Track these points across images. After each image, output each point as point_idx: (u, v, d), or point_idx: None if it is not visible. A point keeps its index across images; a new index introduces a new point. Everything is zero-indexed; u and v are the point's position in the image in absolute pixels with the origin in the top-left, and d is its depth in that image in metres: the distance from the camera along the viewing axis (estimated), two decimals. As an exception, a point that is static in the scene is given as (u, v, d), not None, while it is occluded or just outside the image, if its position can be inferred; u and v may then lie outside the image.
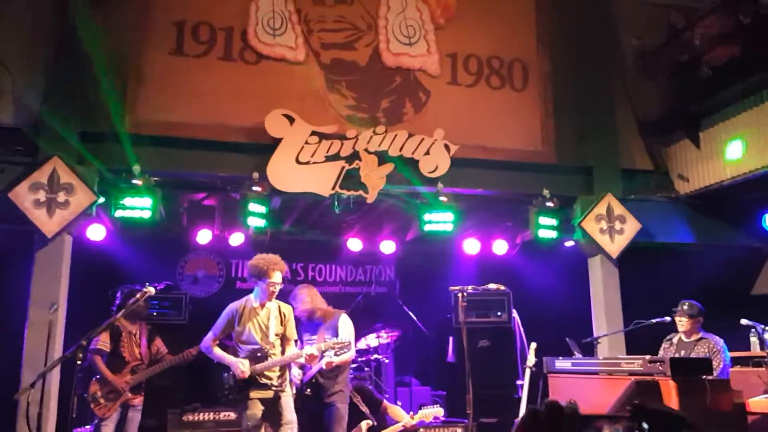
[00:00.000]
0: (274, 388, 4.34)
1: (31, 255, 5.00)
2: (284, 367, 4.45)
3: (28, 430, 4.54)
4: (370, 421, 5.05)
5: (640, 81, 6.50)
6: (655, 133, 6.43)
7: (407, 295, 7.57)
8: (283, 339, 4.47)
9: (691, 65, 6.05)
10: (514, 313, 6.53)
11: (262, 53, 5.63)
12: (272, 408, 4.32)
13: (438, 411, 5.24)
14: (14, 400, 4.62)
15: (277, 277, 4.42)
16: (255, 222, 5.41)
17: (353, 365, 5.94)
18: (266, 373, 4.33)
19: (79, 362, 3.64)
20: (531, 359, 5.09)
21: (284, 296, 4.72)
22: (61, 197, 4.92)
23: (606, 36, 6.47)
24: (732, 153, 5.77)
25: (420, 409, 5.41)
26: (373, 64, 5.87)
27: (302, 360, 4.45)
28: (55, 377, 4.82)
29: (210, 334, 4.50)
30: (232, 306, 4.52)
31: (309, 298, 4.86)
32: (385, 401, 5.50)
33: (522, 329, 6.29)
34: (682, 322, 4.85)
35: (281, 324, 4.47)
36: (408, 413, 5.41)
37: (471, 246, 7.19)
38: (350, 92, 5.77)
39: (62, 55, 5.16)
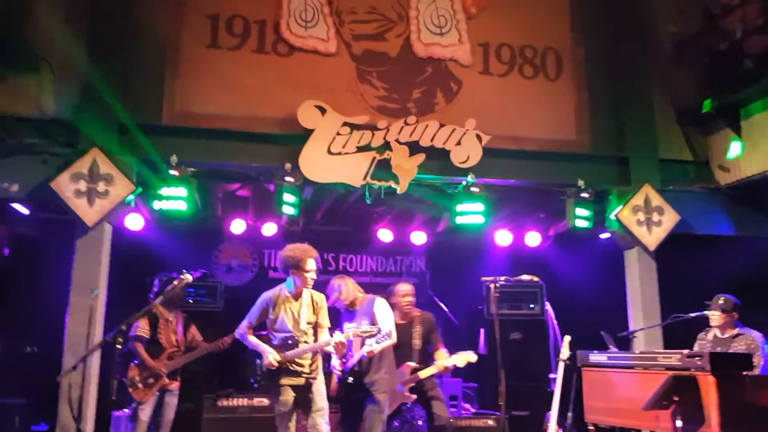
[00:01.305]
0: (305, 375, 4.38)
1: (71, 243, 5.15)
2: (317, 355, 4.48)
3: (69, 411, 4.71)
4: (413, 363, 5.01)
5: (678, 69, 6.33)
6: (694, 122, 6.26)
7: (438, 287, 7.55)
8: (316, 327, 4.50)
9: (730, 53, 5.87)
10: (547, 306, 6.45)
11: (295, 45, 5.68)
12: (303, 394, 4.37)
13: (471, 357, 5.11)
14: (56, 383, 4.80)
15: (311, 265, 4.48)
16: (288, 211, 5.45)
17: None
18: (298, 360, 4.37)
19: (119, 346, 3.75)
20: (565, 352, 5.03)
21: (320, 287, 4.74)
22: (101, 187, 5.05)
23: (641, 23, 6.32)
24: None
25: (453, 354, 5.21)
26: (404, 55, 5.86)
27: (331, 348, 4.46)
28: (95, 361, 4.97)
29: (245, 322, 4.58)
30: (266, 294, 4.58)
31: (345, 287, 4.88)
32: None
33: (555, 322, 6.22)
34: (715, 317, 4.73)
35: (313, 312, 4.50)
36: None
37: (503, 237, 7.12)
38: (381, 83, 5.78)
39: (102, 48, 5.29)
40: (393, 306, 5.01)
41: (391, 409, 4.82)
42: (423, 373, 4.95)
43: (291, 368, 4.36)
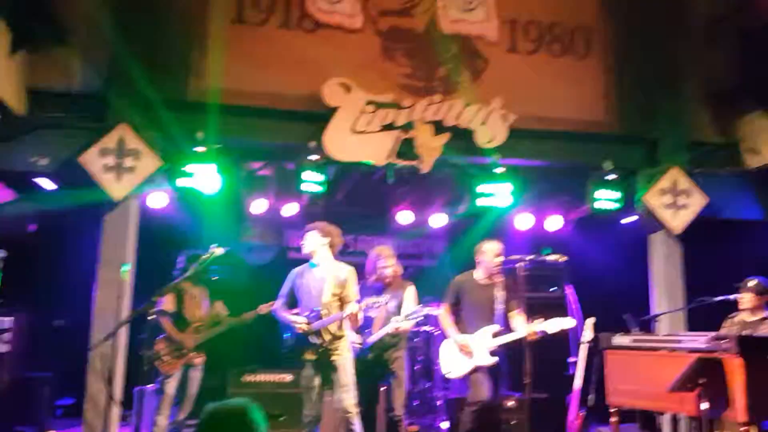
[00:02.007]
0: (328, 351, 4.39)
1: (97, 219, 5.20)
2: (341, 330, 4.46)
3: (98, 384, 4.80)
4: (497, 326, 4.71)
5: (709, 49, 6.18)
6: (725, 103, 6.13)
7: (457, 270, 7.53)
8: (342, 300, 4.48)
9: (763, 33, 5.73)
10: (568, 289, 6.41)
11: (320, 21, 5.62)
12: (327, 370, 4.40)
13: (568, 323, 4.65)
14: (82, 357, 4.88)
15: (338, 241, 4.58)
16: (310, 188, 5.44)
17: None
18: (322, 335, 4.39)
19: (150, 317, 3.80)
20: (587, 335, 5.00)
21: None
22: (129, 162, 5.09)
23: (672, 2, 6.17)
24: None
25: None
26: (430, 32, 5.78)
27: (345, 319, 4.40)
28: (123, 335, 5.04)
29: (279, 299, 4.65)
30: (294, 270, 4.63)
31: (394, 260, 4.89)
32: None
33: (577, 305, 6.18)
34: (745, 299, 4.67)
35: (338, 285, 4.49)
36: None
37: (523, 221, 7.07)
38: (406, 60, 5.72)
39: (129, 23, 5.28)
40: (478, 264, 4.84)
41: (461, 376, 4.72)
42: (506, 338, 4.65)
43: (314, 343, 4.39)
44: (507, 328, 4.68)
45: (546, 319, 4.67)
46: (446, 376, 4.95)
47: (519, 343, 4.65)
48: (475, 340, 4.68)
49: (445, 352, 4.91)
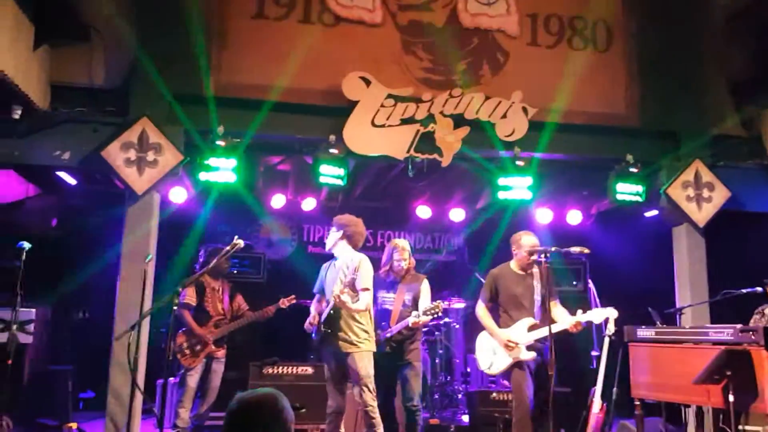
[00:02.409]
0: (341, 342, 4.33)
1: (118, 213, 5.24)
2: (350, 323, 4.35)
3: (121, 376, 4.82)
4: (533, 320, 4.62)
5: (731, 42, 6.11)
6: (747, 96, 6.06)
7: (476, 264, 7.52)
8: (352, 288, 4.37)
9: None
10: (590, 283, 6.39)
11: (340, 15, 5.62)
12: (344, 363, 4.36)
13: (612, 313, 4.47)
14: (104, 350, 4.91)
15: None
16: (329, 182, 5.44)
17: (424, 329, 5.99)
18: (333, 328, 4.33)
19: (175, 307, 3.82)
20: (611, 328, 4.96)
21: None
22: (150, 156, 5.12)
23: (694, -5, 6.13)
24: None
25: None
26: (451, 26, 5.77)
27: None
28: (145, 328, 5.06)
29: (315, 295, 4.69)
30: (323, 265, 4.67)
31: (409, 255, 4.89)
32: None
33: (598, 300, 6.15)
34: None
35: (348, 273, 4.41)
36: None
37: (543, 215, 7.04)
38: (426, 54, 5.71)
39: (150, 18, 5.32)
40: (515, 255, 4.75)
41: (501, 371, 4.63)
42: (545, 331, 4.39)
43: (330, 335, 4.36)
44: (543, 321, 4.55)
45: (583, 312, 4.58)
46: (486, 371, 4.86)
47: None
48: (513, 335, 4.60)
49: (482, 347, 4.82)
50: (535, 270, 4.70)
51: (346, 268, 4.41)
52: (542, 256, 4.41)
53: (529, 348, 4.56)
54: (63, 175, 5.97)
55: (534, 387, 4.50)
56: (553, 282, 4.74)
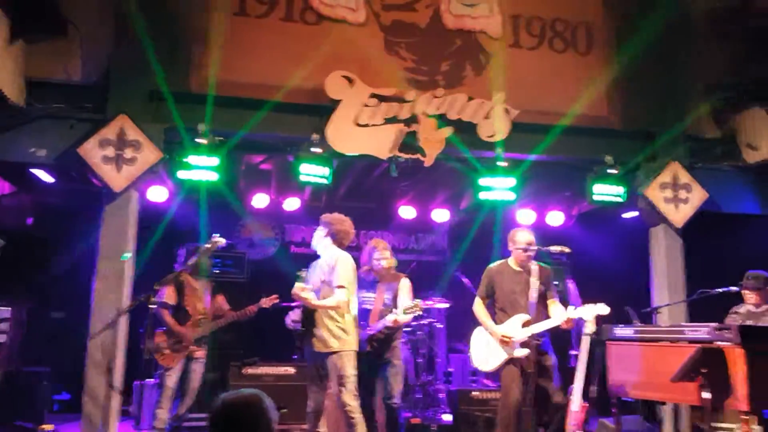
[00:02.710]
0: (316, 342, 4.31)
1: (95, 212, 5.15)
2: (326, 322, 4.30)
3: (97, 377, 4.74)
4: (526, 317, 4.55)
5: (710, 45, 6.24)
6: (724, 99, 6.18)
7: (459, 264, 7.55)
8: (329, 285, 4.35)
9: (763, 30, 5.77)
10: (570, 283, 6.43)
11: (323, 14, 5.61)
12: (322, 362, 4.33)
13: (602, 309, 4.47)
14: (80, 352, 4.83)
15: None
16: (310, 180, 5.41)
17: (407, 329, 6.00)
18: (313, 328, 4.31)
19: (151, 306, 3.76)
20: (590, 327, 5.00)
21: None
22: (129, 153, 5.05)
23: (674, -1, 6.24)
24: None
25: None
26: (434, 26, 5.79)
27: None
28: (122, 328, 4.99)
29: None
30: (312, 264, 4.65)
31: (390, 254, 4.88)
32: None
33: (579, 300, 6.21)
34: (751, 296, 4.72)
35: (326, 273, 4.39)
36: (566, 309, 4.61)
37: (525, 216, 7.09)
38: (410, 54, 5.72)
39: (130, 14, 5.24)
40: (511, 252, 4.73)
41: (495, 368, 4.58)
42: (537, 327, 4.48)
43: (305, 334, 4.34)
44: (537, 318, 4.50)
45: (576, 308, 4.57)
46: (479, 368, 4.80)
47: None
48: (508, 330, 4.57)
49: (475, 344, 4.77)
50: (534, 267, 4.65)
51: (326, 267, 4.39)
52: (532, 254, 4.44)
53: (523, 345, 4.53)
54: (39, 172, 5.86)
55: (520, 390, 4.47)
56: (552, 280, 4.70)
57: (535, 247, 4.51)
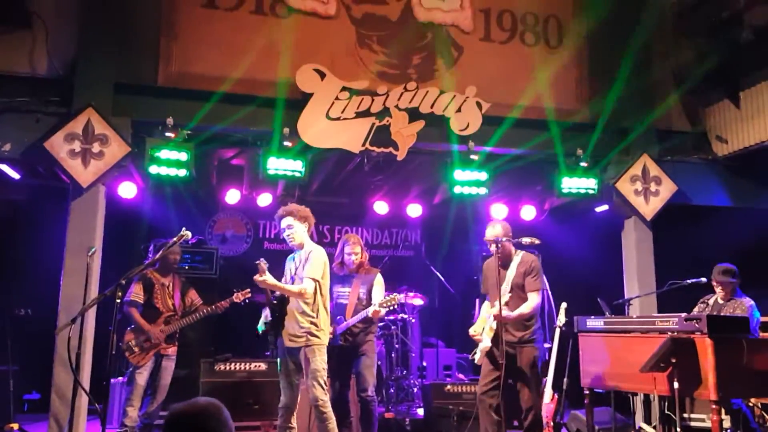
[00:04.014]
0: (286, 335, 4.25)
1: (61, 207, 5.06)
2: (297, 316, 4.22)
3: (64, 374, 4.65)
4: (496, 308, 4.38)
5: (678, 39, 6.31)
6: (693, 92, 6.26)
7: (432, 259, 7.56)
8: (300, 280, 4.27)
9: (732, 23, 5.85)
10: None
11: (293, 7, 5.56)
12: (293, 357, 4.28)
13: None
14: (49, 350, 4.74)
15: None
16: (280, 173, 5.36)
17: (380, 323, 5.98)
18: (287, 322, 4.25)
19: (118, 300, 3.70)
20: (561, 319, 5.04)
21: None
22: (96, 148, 4.96)
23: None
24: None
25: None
26: (405, 20, 5.78)
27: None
28: (90, 324, 4.91)
29: None
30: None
31: (361, 249, 4.86)
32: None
33: (550, 293, 6.24)
34: (719, 288, 4.78)
35: (298, 267, 4.32)
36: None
37: (498, 211, 7.10)
38: (381, 48, 5.71)
39: (96, 5, 5.16)
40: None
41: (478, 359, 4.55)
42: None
43: (276, 328, 4.27)
44: (513, 309, 4.45)
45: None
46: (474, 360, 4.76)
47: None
48: (485, 324, 4.53)
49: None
50: (516, 257, 4.60)
51: (298, 262, 4.34)
52: (498, 246, 4.42)
53: (493, 337, 4.48)
54: (4, 167, 5.72)
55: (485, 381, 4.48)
56: (533, 270, 4.61)
57: (504, 239, 4.49)
